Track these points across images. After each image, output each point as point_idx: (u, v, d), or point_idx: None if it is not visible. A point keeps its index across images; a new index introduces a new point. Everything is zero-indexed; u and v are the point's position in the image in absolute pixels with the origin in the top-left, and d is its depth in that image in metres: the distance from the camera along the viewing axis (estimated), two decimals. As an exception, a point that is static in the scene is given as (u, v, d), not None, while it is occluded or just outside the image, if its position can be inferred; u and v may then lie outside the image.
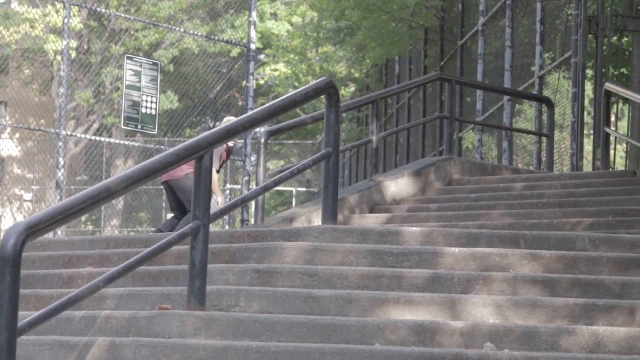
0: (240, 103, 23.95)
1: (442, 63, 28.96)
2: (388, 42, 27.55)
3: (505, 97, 22.47)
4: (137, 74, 18.64)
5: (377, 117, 15.93)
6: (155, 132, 19.41)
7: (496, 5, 24.55)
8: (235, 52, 28.67)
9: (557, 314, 7.66)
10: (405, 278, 8.07)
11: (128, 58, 19.22)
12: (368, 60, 33.59)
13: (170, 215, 14.66)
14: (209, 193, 7.31)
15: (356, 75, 40.34)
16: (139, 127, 18.80)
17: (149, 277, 8.49)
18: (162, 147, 24.81)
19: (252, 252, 8.62)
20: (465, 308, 7.67)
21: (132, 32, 33.54)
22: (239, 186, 25.54)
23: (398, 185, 15.80)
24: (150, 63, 19.49)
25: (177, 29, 27.13)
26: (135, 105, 18.51)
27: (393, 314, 7.59)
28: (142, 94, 18.61)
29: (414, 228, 9.48)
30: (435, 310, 7.65)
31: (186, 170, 12.73)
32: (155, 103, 18.83)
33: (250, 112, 9.41)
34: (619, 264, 8.51)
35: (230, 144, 14.14)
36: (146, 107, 18.65)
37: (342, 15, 28.00)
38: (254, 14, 20.35)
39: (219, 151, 13.51)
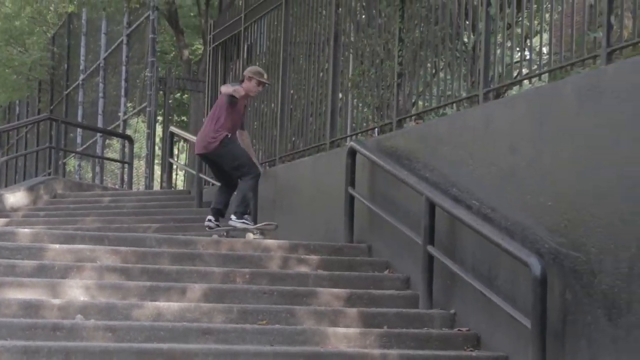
0: None
1: (52, 107, 28.53)
2: (10, 90, 27.15)
3: (99, 134, 22.47)
4: None
5: (1, 145, 15.53)
6: None
7: (93, 66, 24.56)
8: None
9: (131, 293, 7.69)
10: (18, 267, 7.88)
11: None
12: (-5, 103, 32.67)
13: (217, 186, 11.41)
14: None
15: (-15, 114, 39.14)
16: None
17: None
18: None
19: None
20: (63, 289, 7.56)
21: None
22: None
23: (16, 197, 15.47)
24: None
25: None
26: None
27: (8, 294, 7.39)
28: None
29: (26, 229, 9.30)
30: (40, 291, 7.50)
31: (218, 137, 10.40)
32: None
33: None
34: (176, 257, 8.63)
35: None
36: None
37: (-27, 68, 27.33)
38: None
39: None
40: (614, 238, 6.22)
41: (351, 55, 11.07)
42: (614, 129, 6.30)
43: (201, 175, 13.85)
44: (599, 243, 6.34)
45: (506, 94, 8.22)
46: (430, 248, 7.92)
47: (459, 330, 7.62)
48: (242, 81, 10.64)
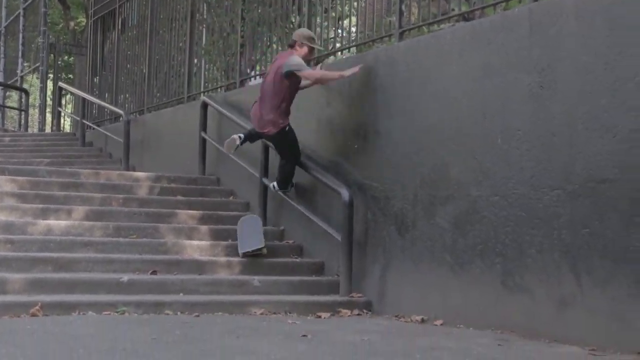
0: None
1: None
2: None
3: (0, 87, 21.36)
4: None
5: None
6: None
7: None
8: None
9: (26, 214, 7.34)
10: None
11: None
12: None
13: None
14: None
15: None
16: None
17: None
18: None
19: None
20: (-31, 210, 7.17)
21: None
22: None
23: None
24: None
25: None
26: None
27: None
28: None
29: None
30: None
31: (272, 130, 6.82)
32: None
33: None
34: (63, 185, 8.26)
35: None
36: None
37: None
38: None
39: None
40: (403, 173, 6.29)
41: (204, 29, 10.81)
42: (404, 89, 6.33)
43: (84, 121, 13.35)
44: (392, 176, 6.40)
45: (324, 62, 8.14)
46: (264, 179, 7.83)
47: (286, 242, 7.59)
48: (292, 46, 6.99)
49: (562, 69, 5.06)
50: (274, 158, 7.81)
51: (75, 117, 15.15)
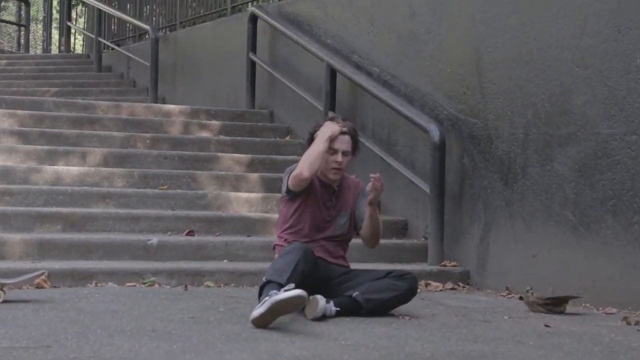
0: None
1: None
2: None
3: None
4: None
5: None
6: None
7: None
8: None
9: (29, 157, 7.48)
10: None
11: None
12: None
13: None
14: None
15: None
16: None
17: None
18: None
19: None
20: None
21: None
22: None
23: None
24: None
25: None
26: None
27: None
28: None
29: None
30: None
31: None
32: None
33: None
34: (75, 121, 8.41)
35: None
36: None
37: None
38: None
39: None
40: (510, 104, 6.21)
41: None
42: (515, -4, 6.22)
43: (100, 39, 13.46)
44: (495, 109, 6.33)
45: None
46: (331, 114, 7.81)
47: (358, 194, 7.57)
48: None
49: None
50: (342, 85, 7.78)
51: (89, 34, 15.31)
